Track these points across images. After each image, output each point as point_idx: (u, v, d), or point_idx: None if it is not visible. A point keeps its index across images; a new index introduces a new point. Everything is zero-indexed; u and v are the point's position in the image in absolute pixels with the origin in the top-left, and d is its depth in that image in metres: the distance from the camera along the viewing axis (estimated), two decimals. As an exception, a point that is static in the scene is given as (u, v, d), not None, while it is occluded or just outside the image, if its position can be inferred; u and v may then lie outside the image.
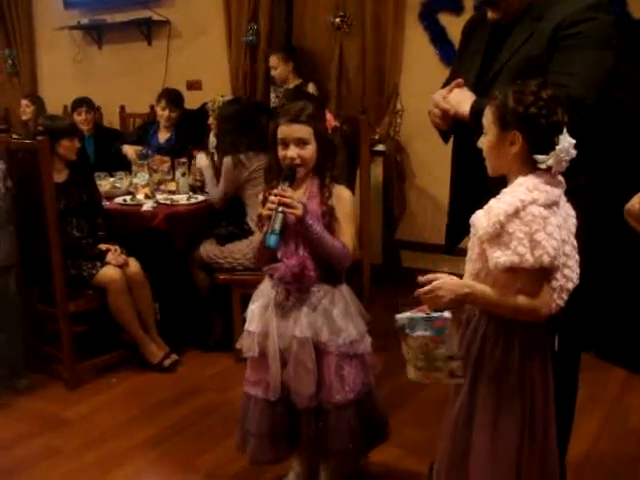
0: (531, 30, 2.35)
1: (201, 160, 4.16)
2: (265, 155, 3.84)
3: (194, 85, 5.87)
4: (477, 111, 2.21)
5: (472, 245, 1.97)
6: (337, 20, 5.03)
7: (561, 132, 1.85)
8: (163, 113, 4.99)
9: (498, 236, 1.84)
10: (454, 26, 4.73)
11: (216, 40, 5.69)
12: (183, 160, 4.30)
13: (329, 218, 2.47)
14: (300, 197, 2.44)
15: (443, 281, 1.91)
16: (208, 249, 3.96)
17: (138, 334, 3.84)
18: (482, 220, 1.88)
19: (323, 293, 2.48)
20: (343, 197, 2.52)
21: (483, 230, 1.86)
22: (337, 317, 2.48)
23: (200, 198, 4.13)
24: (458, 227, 2.44)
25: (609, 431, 3.19)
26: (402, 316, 1.98)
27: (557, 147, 1.84)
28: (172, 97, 5.03)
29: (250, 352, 2.53)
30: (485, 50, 2.51)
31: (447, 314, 1.94)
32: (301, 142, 2.42)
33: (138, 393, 3.65)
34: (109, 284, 3.73)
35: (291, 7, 5.42)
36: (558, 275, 1.91)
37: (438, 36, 4.85)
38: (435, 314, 1.95)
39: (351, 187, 4.21)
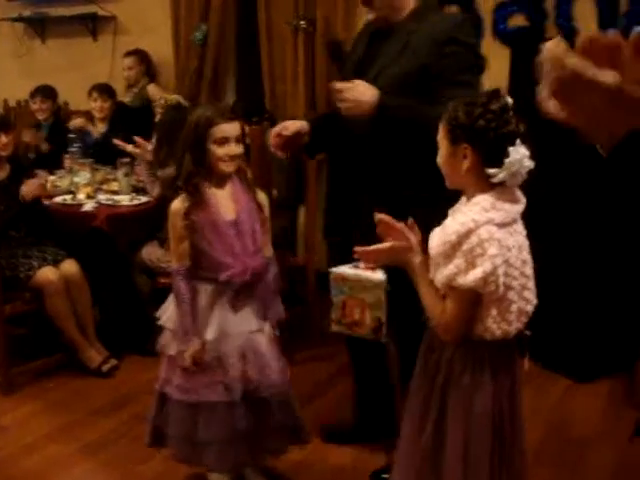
0: (406, 40, 2.47)
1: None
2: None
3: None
4: (382, 106, 2.36)
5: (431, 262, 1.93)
6: (299, 23, 4.97)
7: (513, 143, 1.79)
8: (95, 104, 4.92)
9: (448, 256, 1.81)
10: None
11: (164, 38, 5.59)
12: (126, 159, 4.20)
13: (262, 216, 2.52)
14: (227, 196, 2.45)
15: (392, 244, 1.93)
16: (150, 252, 3.89)
17: (76, 338, 3.75)
18: (435, 239, 1.85)
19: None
20: (263, 199, 2.56)
21: (434, 249, 1.84)
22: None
23: (143, 199, 4.05)
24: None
25: (552, 441, 3.21)
26: (336, 269, 2.04)
27: (507, 160, 1.77)
28: (102, 87, 4.99)
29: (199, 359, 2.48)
30: (363, 55, 2.62)
31: (382, 276, 1.99)
32: (238, 139, 2.43)
33: (76, 398, 3.58)
34: (46, 286, 3.62)
35: (245, 8, 5.35)
36: (515, 298, 1.87)
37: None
38: (369, 273, 2.01)
39: (292, 192, 4.23)
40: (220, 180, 2.46)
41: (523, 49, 3.98)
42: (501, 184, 1.82)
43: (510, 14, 4.42)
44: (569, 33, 4.21)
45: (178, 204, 2.44)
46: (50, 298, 3.64)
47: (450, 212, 1.95)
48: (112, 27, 5.87)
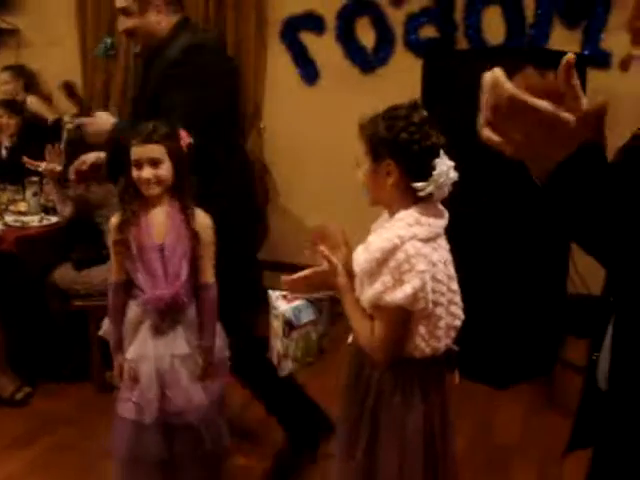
0: (154, 68, 2.77)
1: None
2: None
3: (45, 99, 5.56)
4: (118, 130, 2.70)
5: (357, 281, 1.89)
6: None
7: (437, 155, 1.77)
8: (1, 120, 4.72)
9: (374, 274, 1.77)
10: (316, 45, 4.76)
11: (70, 51, 5.43)
12: (34, 179, 4.04)
13: (195, 242, 2.40)
14: (160, 220, 2.38)
15: (314, 269, 1.90)
16: (63, 274, 3.75)
17: (-15, 366, 3.58)
18: (360, 256, 1.80)
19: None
20: (205, 224, 2.45)
21: (360, 267, 1.80)
22: None
23: (53, 220, 3.89)
24: None
25: (476, 448, 3.23)
26: (286, 308, 1.94)
27: (434, 172, 1.75)
28: (8, 103, 4.79)
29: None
30: (139, 85, 3.01)
31: (326, 293, 1.93)
32: (154, 162, 2.34)
33: (-12, 430, 3.40)
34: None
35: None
36: (443, 314, 1.84)
37: (300, 56, 4.84)
38: (315, 295, 1.94)
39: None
40: (151, 201, 2.38)
41: (434, 60, 4.03)
42: (424, 199, 1.79)
43: (421, 25, 4.47)
44: (478, 44, 4.29)
45: (115, 218, 2.40)
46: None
47: (372, 229, 1.92)
48: (15, 40, 5.67)
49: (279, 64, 4.90)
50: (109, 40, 5.15)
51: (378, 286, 1.74)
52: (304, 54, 4.83)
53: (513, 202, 3.67)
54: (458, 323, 1.91)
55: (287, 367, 1.99)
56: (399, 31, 4.53)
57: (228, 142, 2.81)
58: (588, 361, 1.39)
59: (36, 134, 4.74)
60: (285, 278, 1.92)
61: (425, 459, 1.88)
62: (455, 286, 1.89)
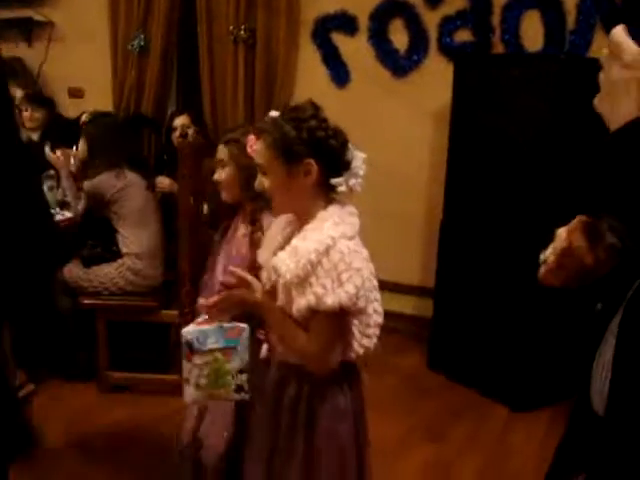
0: None
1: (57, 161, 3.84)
2: (138, 172, 3.62)
3: (76, 93, 5.54)
4: None
5: (278, 292, 1.77)
6: (239, 32, 4.79)
7: (346, 149, 1.75)
8: (25, 114, 4.64)
9: (306, 279, 1.66)
10: (348, 46, 4.63)
11: (101, 46, 5.37)
12: (51, 173, 3.97)
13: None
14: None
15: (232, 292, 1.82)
16: (72, 271, 3.67)
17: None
18: (288, 262, 1.69)
19: None
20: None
21: (291, 273, 1.67)
22: None
23: (67, 215, 3.83)
24: None
25: (490, 472, 3.10)
26: (190, 329, 1.83)
27: (353, 165, 1.73)
28: (32, 96, 4.72)
29: None
30: None
31: (243, 324, 1.83)
32: (220, 164, 2.33)
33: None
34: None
35: (187, 17, 5.16)
36: (371, 311, 1.78)
37: (331, 56, 4.71)
38: (228, 324, 1.82)
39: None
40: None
41: (468, 64, 3.87)
42: (336, 198, 1.77)
43: (456, 28, 4.30)
44: (514, 49, 4.12)
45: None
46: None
47: (267, 236, 1.89)
48: (48, 33, 5.64)
49: (309, 64, 4.78)
50: (142, 36, 5.10)
51: (316, 290, 1.65)
52: (335, 55, 4.69)
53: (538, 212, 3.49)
54: (381, 320, 1.84)
55: (189, 393, 1.86)
56: (433, 34, 4.37)
57: None
58: (580, 378, 1.35)
59: (61, 128, 4.69)
60: (201, 302, 1.83)
61: (358, 462, 1.85)
62: (376, 282, 1.83)
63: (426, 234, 4.46)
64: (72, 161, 3.81)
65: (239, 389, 1.84)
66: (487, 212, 3.74)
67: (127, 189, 3.59)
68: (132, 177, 3.65)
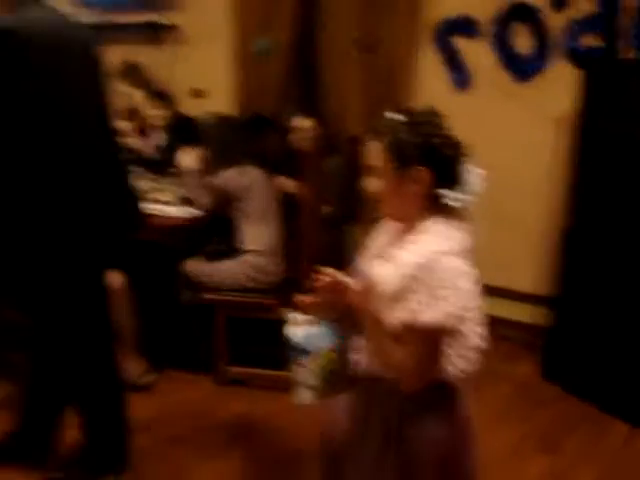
0: None
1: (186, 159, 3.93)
2: (260, 169, 3.69)
3: (198, 93, 5.70)
4: None
5: (372, 300, 1.74)
6: (360, 36, 4.82)
7: (462, 162, 1.68)
8: (149, 112, 4.80)
9: (407, 292, 1.62)
10: (469, 50, 4.59)
11: (224, 48, 5.51)
12: (174, 170, 4.09)
13: None
14: None
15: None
16: (195, 266, 3.78)
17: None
18: (387, 273, 1.66)
19: None
20: None
21: (389, 284, 1.65)
22: None
23: (192, 211, 3.91)
24: None
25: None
26: (297, 332, 1.85)
27: (468, 180, 1.67)
28: (155, 95, 4.88)
29: None
30: None
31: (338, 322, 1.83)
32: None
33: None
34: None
35: (311, 19, 5.21)
36: (469, 333, 1.71)
37: (452, 60, 4.68)
38: (327, 323, 1.83)
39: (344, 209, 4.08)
40: None
41: (598, 70, 3.77)
42: (448, 209, 1.69)
43: (583, 32, 4.20)
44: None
45: None
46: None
47: (370, 244, 1.84)
48: (173, 36, 5.83)
49: (430, 68, 4.76)
50: (266, 39, 5.20)
51: (413, 305, 1.62)
52: (456, 58, 4.66)
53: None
54: (483, 343, 1.76)
55: (302, 397, 1.86)
56: (558, 38, 4.27)
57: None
58: None
59: (184, 127, 4.83)
60: (298, 298, 1.81)
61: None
62: (480, 302, 1.74)
63: (543, 240, 4.38)
64: (195, 159, 3.90)
65: (337, 382, 1.84)
66: (619, 220, 3.62)
67: (251, 186, 3.68)
68: (256, 175, 3.73)
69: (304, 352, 1.83)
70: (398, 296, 1.65)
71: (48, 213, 2.47)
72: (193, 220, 3.87)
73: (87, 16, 6.12)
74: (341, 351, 1.82)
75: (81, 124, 2.56)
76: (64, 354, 2.75)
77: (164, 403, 3.58)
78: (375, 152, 1.73)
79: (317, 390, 1.86)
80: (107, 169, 2.67)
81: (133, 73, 5.44)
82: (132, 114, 5.07)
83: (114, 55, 6.05)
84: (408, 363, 1.67)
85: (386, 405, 1.78)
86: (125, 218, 2.83)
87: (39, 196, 2.45)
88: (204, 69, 5.65)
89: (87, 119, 2.60)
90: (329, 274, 1.81)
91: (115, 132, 2.78)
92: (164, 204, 4.03)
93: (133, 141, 4.79)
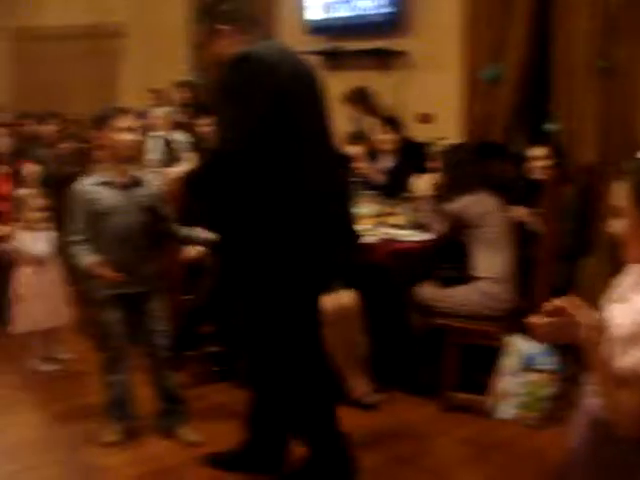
0: None
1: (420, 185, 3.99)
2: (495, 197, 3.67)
3: (425, 119, 5.77)
4: None
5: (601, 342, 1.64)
6: (598, 61, 4.67)
7: None
8: (381, 137, 4.91)
9: (637, 338, 1.54)
10: None
11: (452, 74, 5.55)
12: (412, 194, 4.16)
13: None
14: None
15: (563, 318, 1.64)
16: (427, 291, 3.82)
17: (343, 366, 3.70)
18: (622, 316, 1.58)
19: None
20: None
21: (621, 328, 1.57)
22: None
23: (425, 235, 3.95)
24: None
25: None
26: (525, 343, 1.77)
27: None
28: (388, 120, 4.98)
29: None
30: None
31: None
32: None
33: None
34: (323, 314, 3.64)
35: (543, 45, 5.13)
36: None
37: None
38: (552, 348, 1.73)
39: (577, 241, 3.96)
40: None
41: None
42: None
43: None
44: None
45: None
46: (325, 326, 3.65)
47: (617, 285, 1.73)
48: (401, 61, 5.94)
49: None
50: (497, 67, 5.16)
51: None
52: None
53: None
54: None
55: (505, 410, 1.78)
56: None
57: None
58: None
59: (413, 152, 4.91)
60: (530, 319, 1.73)
61: None
62: None
63: None
64: (430, 184, 3.95)
65: (546, 416, 1.78)
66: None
67: (486, 214, 3.67)
68: (492, 202, 3.73)
69: (526, 363, 1.80)
70: (629, 342, 1.58)
71: (288, 227, 2.67)
72: (424, 244, 3.91)
73: (315, 44, 6.43)
74: (562, 378, 1.77)
75: (317, 147, 2.77)
76: (278, 369, 2.93)
77: (389, 423, 3.62)
78: (621, 193, 1.67)
79: (516, 407, 1.83)
80: (335, 189, 2.85)
81: (363, 99, 5.62)
82: (360, 139, 5.23)
83: (342, 81, 6.37)
84: (627, 410, 1.59)
85: (606, 448, 1.70)
86: (346, 240, 2.95)
87: (282, 209, 2.67)
88: (431, 95, 5.71)
89: (320, 142, 2.81)
90: (568, 300, 1.77)
91: (342, 156, 2.95)
92: (394, 227, 4.11)
93: (362, 165, 4.92)
